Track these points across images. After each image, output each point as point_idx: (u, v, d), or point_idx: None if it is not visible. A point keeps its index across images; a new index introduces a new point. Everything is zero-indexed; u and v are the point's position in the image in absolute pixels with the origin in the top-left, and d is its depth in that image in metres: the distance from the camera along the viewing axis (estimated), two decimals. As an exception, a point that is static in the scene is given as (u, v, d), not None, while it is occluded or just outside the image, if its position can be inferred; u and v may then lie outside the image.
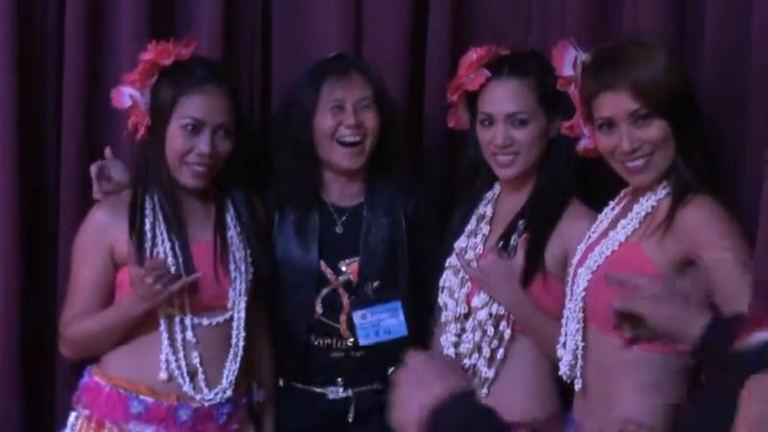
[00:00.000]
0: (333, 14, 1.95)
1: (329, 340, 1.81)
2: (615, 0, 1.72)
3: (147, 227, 1.64)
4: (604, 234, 1.51)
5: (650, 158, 1.44)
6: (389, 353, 1.69)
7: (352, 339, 1.80)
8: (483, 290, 1.66)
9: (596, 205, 1.63)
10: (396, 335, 1.76)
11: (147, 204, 1.66)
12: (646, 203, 1.46)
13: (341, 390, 1.81)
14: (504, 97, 1.65)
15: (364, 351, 1.79)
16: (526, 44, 1.78)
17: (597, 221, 1.56)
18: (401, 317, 1.77)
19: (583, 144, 1.55)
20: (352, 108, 1.72)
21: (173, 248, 1.64)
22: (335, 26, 1.95)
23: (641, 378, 1.45)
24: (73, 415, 1.67)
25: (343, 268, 1.80)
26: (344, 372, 1.81)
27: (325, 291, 1.80)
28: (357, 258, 1.80)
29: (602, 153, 1.49)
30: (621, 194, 1.55)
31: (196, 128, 1.63)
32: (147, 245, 1.63)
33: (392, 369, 1.66)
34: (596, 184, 1.66)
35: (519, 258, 1.62)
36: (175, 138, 1.63)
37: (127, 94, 1.65)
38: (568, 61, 1.55)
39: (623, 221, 1.48)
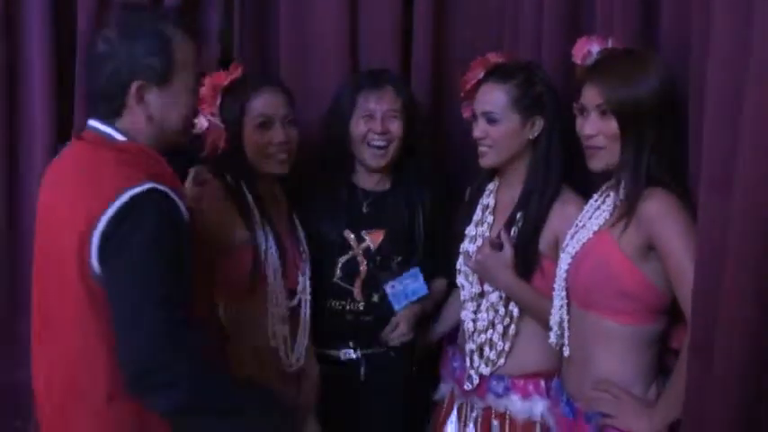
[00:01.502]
0: (331, 33, 2.14)
1: (343, 302, 1.99)
2: (587, 20, 1.86)
3: (256, 217, 1.83)
4: (585, 224, 1.64)
5: (601, 149, 1.57)
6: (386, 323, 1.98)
7: (363, 304, 1.98)
8: (483, 279, 1.82)
9: (588, 192, 1.75)
10: (420, 294, 1.97)
11: (249, 199, 1.84)
12: (615, 196, 1.59)
13: (352, 352, 2.00)
14: (484, 98, 1.82)
15: (371, 317, 1.98)
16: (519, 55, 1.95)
17: (583, 211, 1.68)
18: (421, 280, 1.97)
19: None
20: (380, 117, 1.94)
21: (276, 243, 1.84)
22: (335, 41, 2.15)
23: (615, 347, 1.57)
24: None
25: (365, 236, 2.00)
26: (355, 335, 2.00)
27: (345, 257, 1.99)
28: (380, 230, 2.00)
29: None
30: (603, 187, 1.67)
31: (267, 123, 1.84)
32: (261, 238, 1.81)
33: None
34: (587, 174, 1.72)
35: (507, 250, 1.77)
36: (253, 136, 1.84)
37: (201, 119, 1.80)
38: (581, 54, 1.67)
39: (598, 212, 1.61)
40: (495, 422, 1.84)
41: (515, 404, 1.81)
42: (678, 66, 1.57)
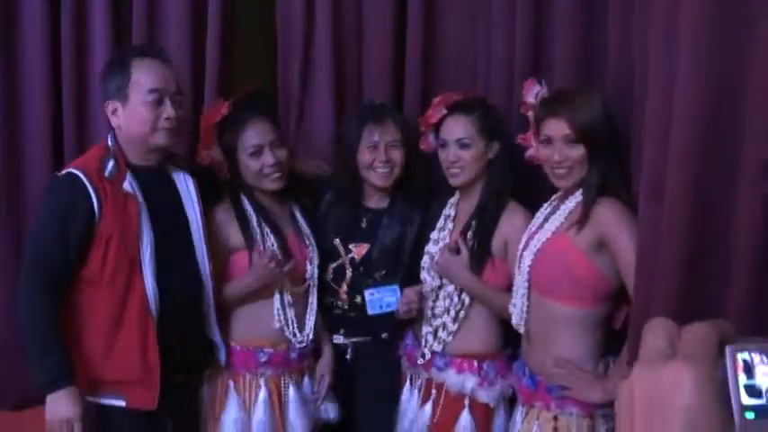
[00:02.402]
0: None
1: (332, 299, 2.27)
2: (545, 59, 2.13)
3: (254, 224, 2.11)
4: (541, 226, 1.87)
5: (570, 170, 1.79)
6: (371, 319, 2.22)
7: (348, 303, 2.25)
8: (444, 277, 2.09)
9: (529, 203, 2.03)
10: (392, 308, 2.19)
11: (249, 210, 2.11)
12: (569, 204, 1.82)
13: (342, 338, 2.28)
14: (454, 127, 2.07)
15: (354, 314, 2.25)
16: (474, 92, 2.22)
17: (535, 218, 1.93)
18: (398, 296, 2.18)
19: (530, 152, 1.93)
20: (384, 148, 2.18)
21: (276, 240, 2.12)
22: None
23: (570, 328, 1.81)
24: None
25: (352, 248, 2.25)
26: (343, 325, 2.27)
27: (336, 263, 2.26)
28: (365, 244, 2.25)
29: (540, 160, 1.86)
30: (552, 198, 1.92)
31: (258, 151, 2.09)
32: (258, 237, 2.09)
33: (384, 334, 2.25)
34: (530, 189, 2.07)
35: (464, 254, 2.05)
36: (248, 163, 2.10)
37: (205, 154, 2.12)
38: (532, 93, 1.92)
39: (553, 217, 1.84)
40: (434, 391, 2.11)
41: (451, 378, 2.07)
42: (622, 99, 1.81)
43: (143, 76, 1.88)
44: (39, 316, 1.79)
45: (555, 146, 1.80)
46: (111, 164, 1.86)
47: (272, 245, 2.11)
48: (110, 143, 1.91)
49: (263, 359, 2.10)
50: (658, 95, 1.47)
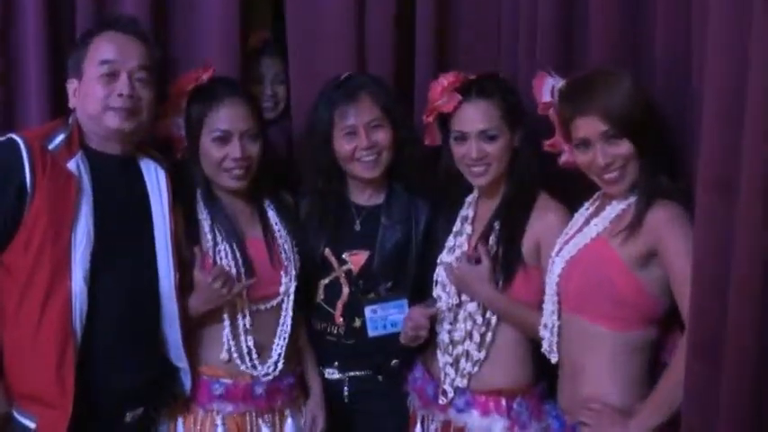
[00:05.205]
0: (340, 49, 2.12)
1: (324, 324, 2.00)
2: (580, 33, 1.92)
3: (207, 229, 1.84)
4: (580, 230, 1.71)
5: (623, 171, 1.63)
6: (378, 345, 1.94)
7: (344, 328, 1.98)
8: (463, 292, 1.87)
9: (564, 197, 1.85)
10: (399, 328, 1.91)
11: (201, 210, 1.86)
12: (617, 206, 1.67)
13: (336, 372, 2.02)
14: (474, 117, 1.84)
15: (353, 341, 1.98)
16: (492, 70, 1.99)
17: (573, 219, 1.77)
18: (406, 313, 1.92)
19: (564, 158, 1.76)
20: (364, 131, 1.90)
21: (231, 248, 1.84)
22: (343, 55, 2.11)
23: (603, 354, 1.66)
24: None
25: (347, 258, 1.98)
26: (338, 356, 2.01)
27: (327, 279, 1.99)
28: (363, 252, 1.98)
29: (581, 167, 1.69)
30: (595, 197, 1.76)
31: (224, 138, 1.84)
32: (209, 245, 1.82)
33: (394, 361, 1.98)
34: (564, 180, 1.84)
35: (485, 263, 1.83)
36: (209, 150, 1.85)
37: (165, 124, 1.89)
38: (546, 89, 1.75)
39: (596, 219, 1.68)
40: (453, 437, 1.90)
41: (474, 420, 1.86)
42: (674, 77, 1.69)
43: (99, 48, 1.75)
44: None
45: (595, 147, 1.64)
46: (59, 138, 1.71)
47: (226, 255, 1.85)
48: (69, 120, 1.77)
49: (218, 391, 1.86)
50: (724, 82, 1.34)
